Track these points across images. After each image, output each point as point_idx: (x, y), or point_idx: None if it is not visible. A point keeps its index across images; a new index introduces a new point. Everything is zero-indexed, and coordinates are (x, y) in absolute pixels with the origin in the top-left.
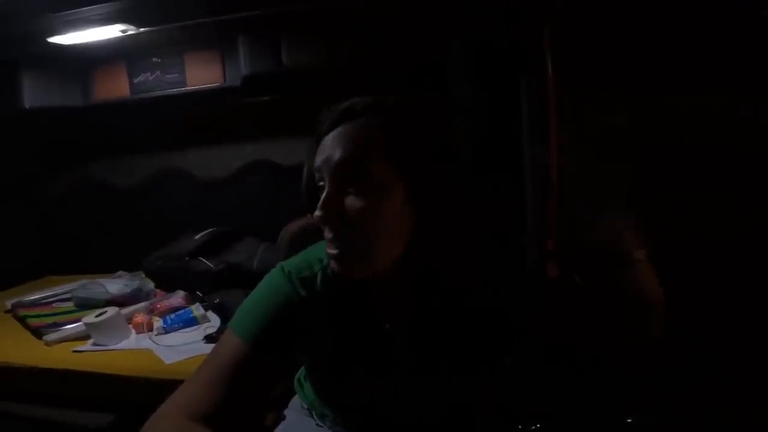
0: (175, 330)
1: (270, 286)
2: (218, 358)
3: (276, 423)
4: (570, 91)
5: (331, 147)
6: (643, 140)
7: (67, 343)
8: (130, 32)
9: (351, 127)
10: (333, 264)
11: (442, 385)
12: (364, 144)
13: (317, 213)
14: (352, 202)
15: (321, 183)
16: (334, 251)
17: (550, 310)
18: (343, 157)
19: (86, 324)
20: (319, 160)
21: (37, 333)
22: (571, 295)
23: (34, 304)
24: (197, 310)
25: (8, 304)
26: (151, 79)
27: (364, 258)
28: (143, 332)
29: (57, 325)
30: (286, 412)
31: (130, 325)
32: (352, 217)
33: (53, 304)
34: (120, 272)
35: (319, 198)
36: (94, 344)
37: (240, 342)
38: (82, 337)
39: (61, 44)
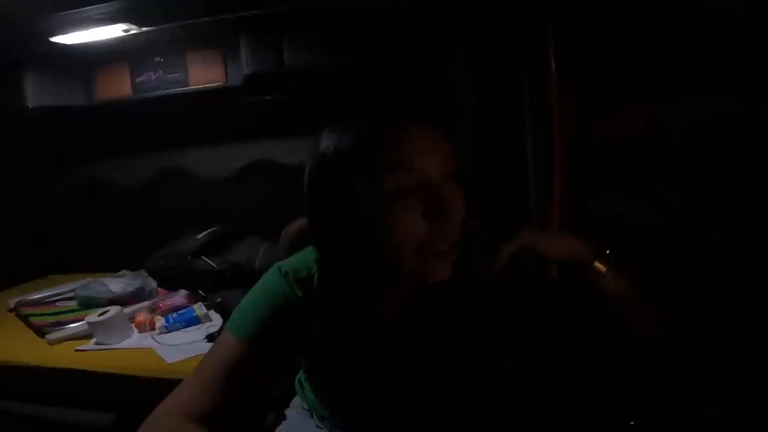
0: (177, 329)
1: (267, 286)
2: (215, 358)
3: (277, 423)
4: (573, 92)
5: (434, 145)
6: (649, 142)
7: (69, 342)
8: (132, 31)
9: (434, 129)
10: (434, 269)
11: (443, 386)
12: (451, 144)
13: (447, 210)
14: (460, 199)
15: (404, 182)
16: (445, 253)
17: (551, 311)
18: (449, 155)
19: (89, 323)
20: (418, 156)
21: (40, 332)
22: (571, 296)
23: (36, 303)
24: (199, 309)
25: (11, 302)
26: (153, 78)
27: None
28: (145, 331)
29: (59, 324)
30: (287, 411)
31: (133, 324)
32: (461, 218)
33: (56, 303)
34: (123, 271)
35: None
36: (97, 343)
37: (237, 342)
38: (85, 336)
39: (64, 44)
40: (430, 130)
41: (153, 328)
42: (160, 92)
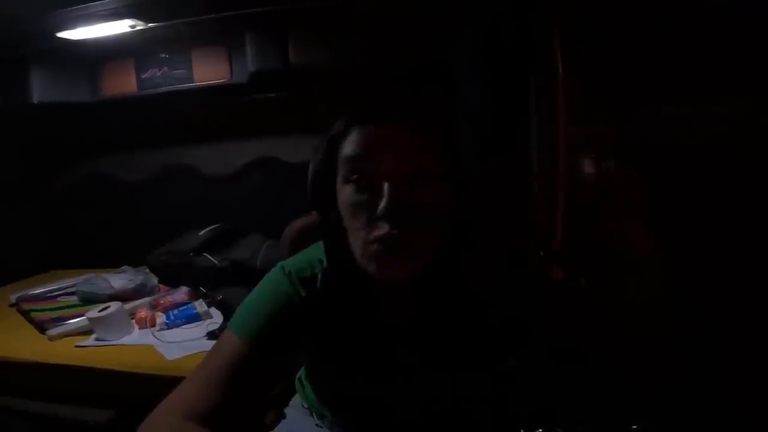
0: (177, 326)
1: (270, 285)
2: (217, 358)
3: (276, 421)
4: (580, 92)
5: (391, 141)
6: (655, 144)
7: (69, 337)
8: (138, 28)
9: (412, 124)
10: (377, 266)
11: (444, 386)
12: (430, 141)
13: (385, 206)
14: (421, 197)
15: (354, 176)
16: (388, 250)
17: (554, 312)
18: (412, 152)
19: (89, 319)
20: (367, 151)
21: (40, 327)
22: (575, 297)
23: (38, 298)
24: (200, 306)
25: (13, 298)
26: (158, 74)
27: (421, 257)
28: (146, 328)
29: (61, 320)
30: (286, 410)
31: (133, 321)
32: (421, 213)
33: (57, 299)
34: (124, 267)
35: (334, 193)
36: (97, 339)
37: (239, 341)
38: (85, 331)
39: (70, 39)
40: (400, 128)
41: (153, 325)
42: (165, 89)
